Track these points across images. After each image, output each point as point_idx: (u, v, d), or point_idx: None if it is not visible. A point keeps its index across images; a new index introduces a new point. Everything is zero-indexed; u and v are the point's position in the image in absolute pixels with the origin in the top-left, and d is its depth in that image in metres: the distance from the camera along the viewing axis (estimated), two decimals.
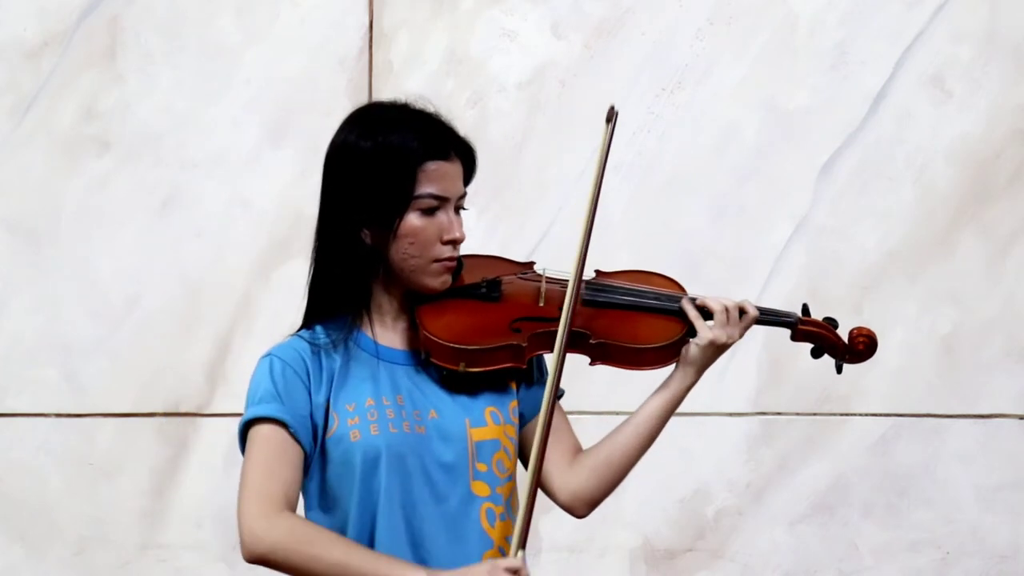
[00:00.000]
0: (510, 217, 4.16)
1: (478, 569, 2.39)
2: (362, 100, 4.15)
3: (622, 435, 2.61)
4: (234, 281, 4.17)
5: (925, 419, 4.16)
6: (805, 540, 4.16)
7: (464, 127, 4.14)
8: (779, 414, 4.16)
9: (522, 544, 2.43)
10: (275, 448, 2.45)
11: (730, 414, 4.16)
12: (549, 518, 4.13)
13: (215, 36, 4.19)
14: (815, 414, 4.16)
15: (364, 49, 4.20)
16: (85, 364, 4.16)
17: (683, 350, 2.61)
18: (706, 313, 2.63)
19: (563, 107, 4.20)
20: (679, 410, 4.25)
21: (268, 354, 2.52)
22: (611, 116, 2.62)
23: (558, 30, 4.20)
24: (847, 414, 4.17)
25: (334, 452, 2.48)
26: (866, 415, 4.17)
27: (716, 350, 2.62)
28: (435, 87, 4.19)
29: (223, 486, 4.11)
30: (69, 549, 4.17)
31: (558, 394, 2.61)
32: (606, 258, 4.12)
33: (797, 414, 4.16)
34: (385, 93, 4.19)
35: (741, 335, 2.63)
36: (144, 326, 4.16)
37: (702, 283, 4.13)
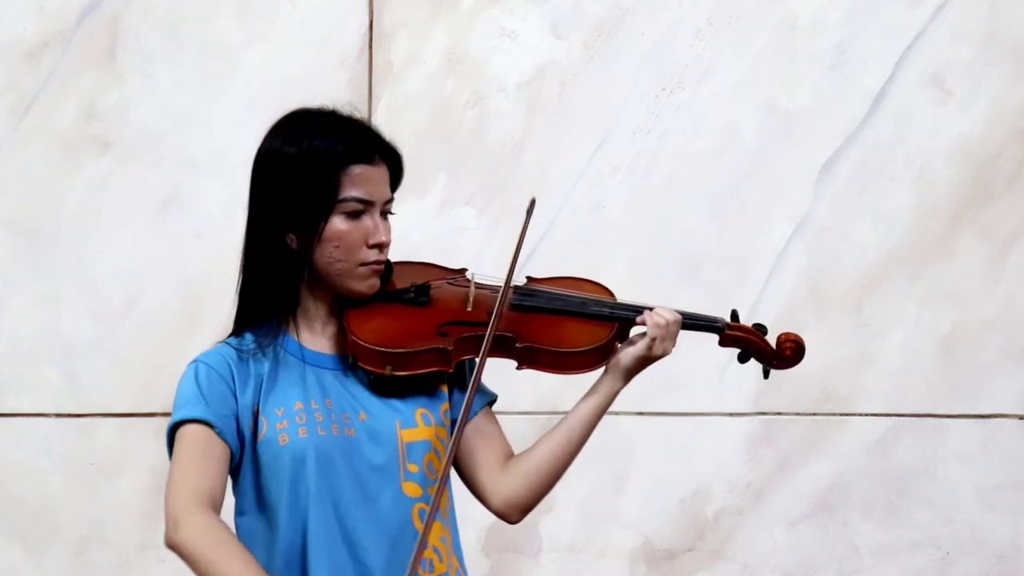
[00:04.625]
0: (510, 217, 4.16)
1: None
2: (362, 100, 4.16)
3: (552, 441, 2.61)
4: (234, 281, 4.16)
5: (925, 419, 4.16)
6: (805, 540, 4.16)
7: (464, 127, 4.19)
8: (779, 414, 4.17)
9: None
10: (201, 446, 2.47)
11: (730, 414, 4.16)
12: (549, 518, 4.14)
13: (215, 36, 4.19)
14: (815, 414, 4.16)
15: (364, 49, 4.20)
16: (85, 364, 4.16)
17: (617, 357, 2.61)
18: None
19: (563, 107, 4.20)
20: (679, 410, 4.26)
21: (194, 360, 2.55)
22: (531, 208, 2.61)
23: (558, 30, 4.20)
24: (847, 414, 4.17)
25: (264, 456, 2.50)
26: (866, 415, 4.17)
27: (650, 361, 2.62)
28: (435, 87, 4.19)
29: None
30: (69, 549, 4.16)
31: (491, 399, 2.63)
32: (606, 258, 4.15)
33: (797, 414, 4.16)
34: (385, 93, 4.20)
35: (674, 344, 2.62)
36: (144, 326, 4.16)
37: (702, 283, 4.15)
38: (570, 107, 4.19)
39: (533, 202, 2.61)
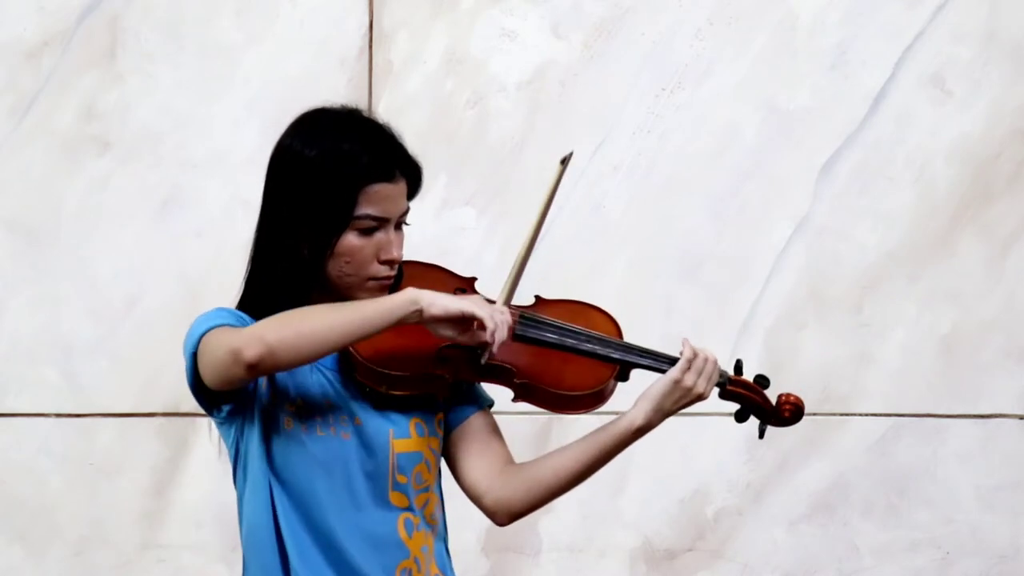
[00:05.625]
0: (510, 217, 4.16)
1: (473, 297, 2.42)
2: (362, 100, 4.16)
3: (561, 458, 2.55)
4: (234, 281, 4.14)
5: (925, 419, 4.16)
6: (805, 540, 4.16)
7: (464, 127, 4.19)
8: None
9: (506, 301, 2.46)
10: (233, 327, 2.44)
11: (730, 414, 4.15)
12: (549, 518, 4.13)
13: (215, 36, 4.19)
14: (815, 414, 4.16)
15: (364, 49, 4.20)
16: (85, 364, 4.16)
17: (649, 390, 2.52)
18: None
19: (563, 107, 4.20)
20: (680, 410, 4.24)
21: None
22: (566, 161, 2.56)
23: (558, 30, 4.20)
24: (847, 414, 4.17)
25: (267, 425, 2.49)
26: (866, 415, 4.17)
27: (681, 394, 2.53)
28: (435, 87, 4.19)
29: (223, 486, 4.09)
30: (69, 549, 4.16)
31: (487, 404, 2.60)
32: (606, 258, 4.15)
33: None
34: (385, 93, 4.19)
35: (708, 386, 2.54)
36: (144, 326, 4.16)
37: (702, 283, 4.16)
38: (570, 107, 4.19)
39: (570, 156, 2.54)
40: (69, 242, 4.17)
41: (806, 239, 4.17)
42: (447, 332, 2.41)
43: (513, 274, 2.52)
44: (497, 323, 2.39)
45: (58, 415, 4.18)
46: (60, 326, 4.17)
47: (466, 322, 2.39)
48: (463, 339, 2.41)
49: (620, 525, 4.16)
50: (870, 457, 4.16)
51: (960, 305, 4.17)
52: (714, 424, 4.16)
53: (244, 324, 2.47)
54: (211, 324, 2.47)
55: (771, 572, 4.16)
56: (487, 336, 2.39)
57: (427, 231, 4.11)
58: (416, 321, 2.38)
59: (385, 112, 4.14)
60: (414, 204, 4.15)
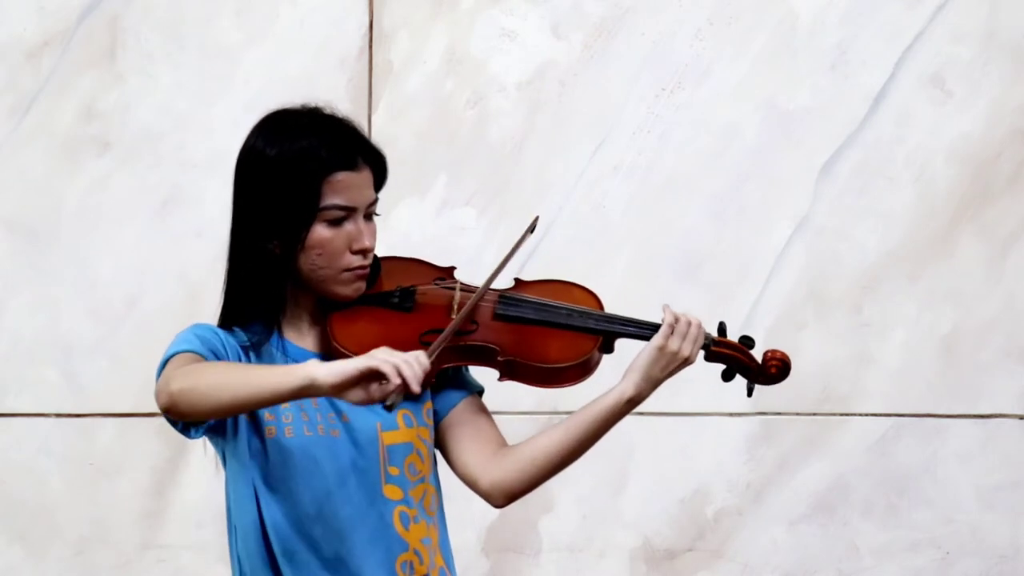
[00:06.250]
0: (510, 217, 4.16)
1: (376, 350, 2.30)
2: (362, 100, 4.16)
3: (552, 435, 2.54)
4: None
5: (925, 419, 4.17)
6: (805, 540, 4.16)
7: (464, 127, 4.19)
8: (779, 414, 4.17)
9: (432, 353, 2.37)
10: (192, 360, 2.43)
11: (730, 414, 4.16)
12: (549, 518, 4.14)
13: (215, 36, 4.19)
14: (815, 414, 4.16)
15: (364, 49, 4.20)
16: (85, 364, 4.16)
17: (636, 360, 2.52)
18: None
19: (563, 107, 4.20)
20: (680, 410, 4.25)
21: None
22: (532, 227, 2.57)
23: (558, 30, 4.20)
24: (847, 414, 4.17)
25: (252, 444, 2.49)
26: (866, 415, 4.17)
27: (667, 360, 2.51)
28: (435, 87, 4.19)
29: (223, 487, 4.10)
30: (69, 549, 4.17)
31: (477, 391, 2.61)
32: (606, 258, 4.15)
33: (797, 414, 4.16)
34: (385, 93, 4.20)
35: (693, 349, 2.52)
36: (144, 326, 4.16)
37: (702, 283, 4.16)
38: (570, 107, 4.19)
39: (535, 220, 2.58)
40: (69, 242, 4.18)
41: (806, 239, 4.17)
42: (356, 395, 2.29)
43: (457, 321, 2.50)
44: (397, 364, 2.26)
45: (58, 415, 4.18)
46: (60, 326, 4.17)
47: (370, 378, 2.28)
48: (377, 395, 2.29)
49: (620, 525, 4.16)
50: (870, 457, 4.16)
51: (960, 305, 4.17)
52: (714, 424, 4.17)
53: (210, 345, 2.47)
54: (174, 351, 2.46)
55: (771, 572, 4.17)
56: (392, 382, 2.26)
57: (427, 231, 4.11)
58: (317, 395, 2.31)
59: (385, 112, 4.16)
60: (414, 204, 4.17)
